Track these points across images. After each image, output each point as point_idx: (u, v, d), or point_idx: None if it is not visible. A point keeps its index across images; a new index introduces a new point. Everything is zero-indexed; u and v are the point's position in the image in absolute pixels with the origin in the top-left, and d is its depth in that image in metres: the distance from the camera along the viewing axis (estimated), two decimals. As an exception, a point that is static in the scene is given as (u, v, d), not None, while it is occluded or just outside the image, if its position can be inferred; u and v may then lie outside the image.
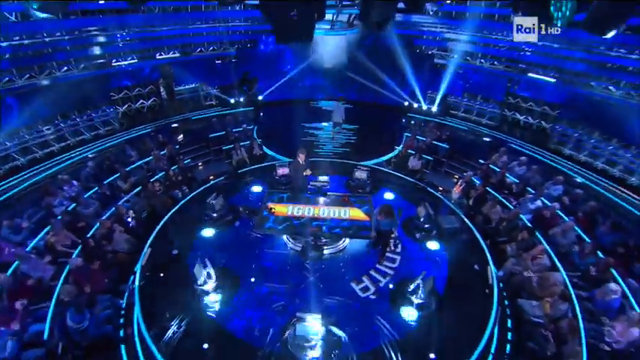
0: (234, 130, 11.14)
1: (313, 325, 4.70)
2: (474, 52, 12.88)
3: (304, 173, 7.17)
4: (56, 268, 6.27)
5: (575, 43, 10.14)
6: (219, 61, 13.55)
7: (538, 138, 12.08)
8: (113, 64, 11.26)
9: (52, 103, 9.95)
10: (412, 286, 5.55)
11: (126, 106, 12.82)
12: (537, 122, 12.81)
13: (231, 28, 13.11)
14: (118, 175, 8.64)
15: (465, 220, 7.50)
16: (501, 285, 6.23)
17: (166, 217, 7.62)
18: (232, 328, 5.30)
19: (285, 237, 6.86)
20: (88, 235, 6.79)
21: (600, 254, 6.55)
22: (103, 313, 5.57)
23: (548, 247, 6.67)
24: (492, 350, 5.21)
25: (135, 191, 8.33)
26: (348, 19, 8.69)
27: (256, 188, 8.56)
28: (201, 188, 8.61)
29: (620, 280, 6.07)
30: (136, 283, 5.99)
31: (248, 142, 10.69)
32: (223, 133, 10.98)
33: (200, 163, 10.46)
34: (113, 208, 7.56)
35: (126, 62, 11.47)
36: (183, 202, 8.13)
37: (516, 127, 13.09)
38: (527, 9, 2.10)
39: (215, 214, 7.36)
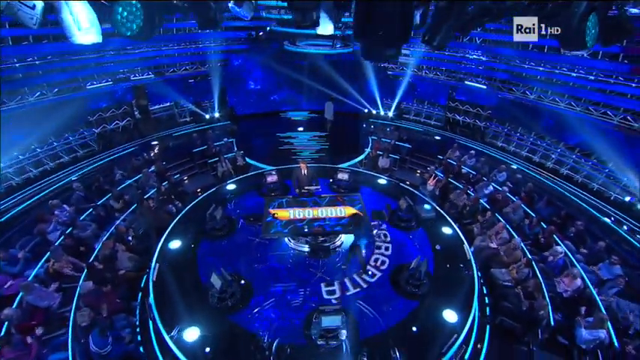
0: (215, 144, 10.74)
1: (336, 317, 4.76)
2: (419, 65, 13.77)
3: (311, 188, 7.21)
4: (63, 294, 5.66)
5: (498, 56, 11.37)
6: (192, 80, 12.98)
7: (476, 134, 13.22)
8: (88, 87, 10.33)
9: (28, 130, 8.88)
10: (412, 266, 5.82)
11: (101, 127, 11.79)
12: (473, 121, 14.01)
13: (201, 48, 12.70)
14: (109, 195, 7.94)
15: (438, 208, 7.99)
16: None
17: (167, 231, 7.16)
18: (257, 330, 5.17)
19: (286, 239, 6.83)
20: (92, 258, 6.20)
21: (543, 225, 7.41)
22: (122, 332, 5.16)
23: (504, 223, 7.38)
24: (476, 314, 5.64)
25: (130, 209, 7.71)
26: (333, 39, 8.87)
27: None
28: (197, 200, 8.16)
29: (560, 243, 6.92)
30: (151, 298, 5.58)
31: (232, 154, 10.39)
32: (205, 147, 10.54)
33: (185, 178, 10.00)
34: (112, 228, 6.96)
35: (101, 85, 10.57)
36: (180, 215, 7.68)
37: (457, 126, 14.20)
38: (564, 41, 2.27)
39: (217, 225, 7.09)
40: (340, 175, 8.97)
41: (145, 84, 11.97)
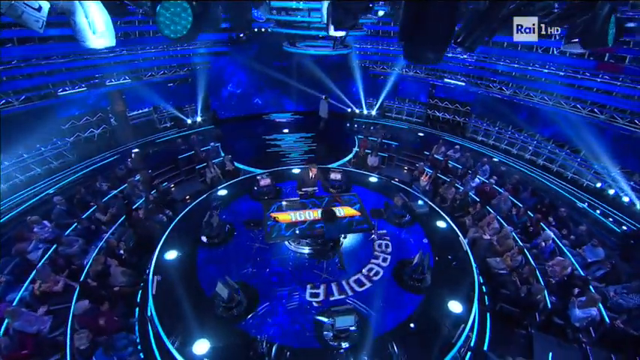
0: (202, 149, 10.42)
1: (350, 316, 4.76)
2: (400, 63, 14.07)
3: (308, 189, 7.15)
4: (53, 317, 5.27)
5: (477, 55, 11.84)
6: (172, 84, 12.51)
7: (457, 130, 13.70)
8: (60, 93, 9.69)
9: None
10: (415, 261, 5.92)
11: (74, 136, 11.10)
12: (452, 117, 14.52)
13: (180, 51, 12.29)
14: (94, 207, 7.49)
15: (430, 203, 8.19)
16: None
17: (161, 242, 6.85)
18: (269, 337, 5.05)
19: (286, 242, 6.74)
20: (83, 274, 5.81)
21: (530, 214, 7.80)
22: (124, 353, 4.88)
23: (495, 214, 7.69)
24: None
25: (119, 221, 7.31)
26: (341, 39, 8.88)
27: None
28: (189, 207, 7.86)
29: (547, 230, 7.32)
30: (153, 311, 5.32)
31: (220, 159, 10.13)
32: (192, 153, 10.20)
33: (172, 185, 9.61)
34: (102, 242, 6.57)
35: (74, 91, 9.95)
36: (173, 224, 7.37)
37: (437, 123, 14.66)
38: (588, 40, 2.37)
39: (214, 233, 6.87)
40: (333, 175, 8.97)
41: (122, 89, 11.38)
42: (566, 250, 6.75)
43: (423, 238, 7.12)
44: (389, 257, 6.54)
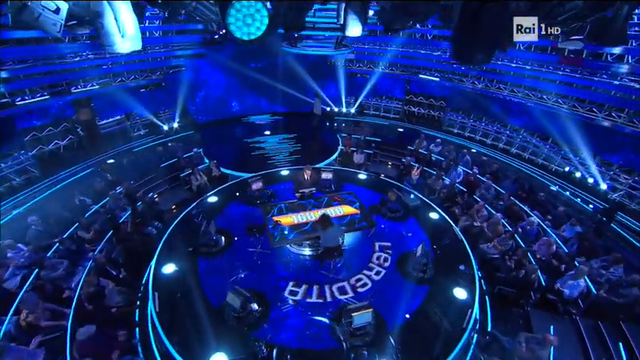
0: (184, 155, 10.00)
1: (366, 313, 4.81)
2: (376, 61, 14.38)
3: (307, 190, 7.09)
4: (45, 350, 4.82)
5: (448, 50, 12.35)
6: (144, 90, 11.86)
7: (434, 124, 14.25)
8: (18, 103, 8.85)
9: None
10: (418, 253, 6.10)
11: (37, 149, 10.20)
12: (427, 112, 15.07)
13: (150, 55, 11.69)
14: (76, 225, 6.94)
15: (421, 196, 8.46)
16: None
17: (155, 256, 6.49)
18: (286, 342, 4.98)
19: (287, 245, 6.66)
20: (75, 299, 5.37)
21: (513, 199, 8.32)
22: (133, 376, 4.60)
23: (483, 202, 8.11)
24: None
25: (106, 238, 6.83)
26: (337, 40, 8.84)
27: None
28: (180, 217, 7.50)
29: (531, 213, 7.85)
30: (160, 332, 5.04)
31: (205, 165, 9.78)
32: (175, 160, 9.75)
33: (156, 195, 9.13)
34: (90, 262, 6.10)
35: (35, 100, 9.13)
36: (165, 236, 7.00)
37: (413, 117, 15.15)
38: (610, 39, 2.51)
39: (212, 241, 6.63)
40: (324, 175, 8.98)
41: (90, 97, 10.61)
42: (549, 231, 7.28)
43: (408, 232, 7.25)
44: (383, 271, 6.19)
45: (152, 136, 11.92)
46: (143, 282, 6.58)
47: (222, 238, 6.84)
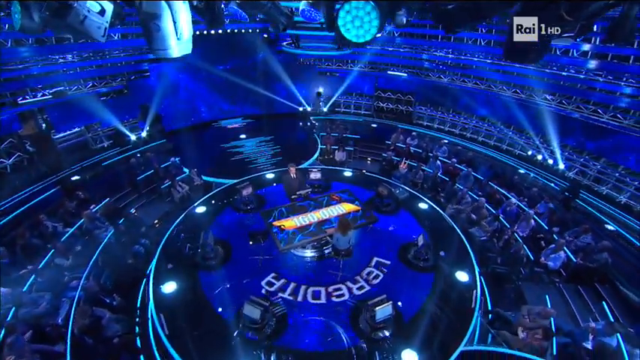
0: (162, 166, 9.40)
1: (387, 306, 4.93)
2: (345, 59, 14.61)
3: (302, 191, 6.99)
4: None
5: (416, 47, 12.99)
6: (105, 98, 10.90)
7: (404, 118, 14.82)
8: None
9: None
10: (420, 243, 6.35)
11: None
12: (395, 106, 15.62)
13: (109, 60, 10.80)
14: (51, 252, 6.24)
15: (408, 189, 8.80)
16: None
17: (151, 275, 6.05)
18: (311, 346, 4.94)
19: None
20: (69, 335, 4.83)
21: (492, 184, 8.99)
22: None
23: (466, 190, 8.66)
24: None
25: (91, 262, 6.22)
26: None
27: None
28: (171, 230, 7.05)
29: (509, 195, 8.54)
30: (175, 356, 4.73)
31: (185, 175, 9.29)
32: (152, 171, 9.14)
33: (134, 210, 8.50)
34: (78, 291, 5.52)
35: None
36: (157, 253, 6.54)
37: (382, 113, 15.62)
38: (622, 37, 2.73)
39: (211, 254, 6.34)
40: (313, 175, 8.97)
41: (42, 107, 9.53)
42: (527, 209, 7.99)
43: (390, 225, 7.41)
44: (367, 289, 5.84)
45: (117, 147, 11.00)
46: (138, 305, 6.15)
47: (219, 248, 6.57)
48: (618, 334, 5.05)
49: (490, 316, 6.00)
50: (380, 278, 6.05)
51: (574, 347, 5.09)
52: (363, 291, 5.79)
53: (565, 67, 9.93)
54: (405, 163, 9.19)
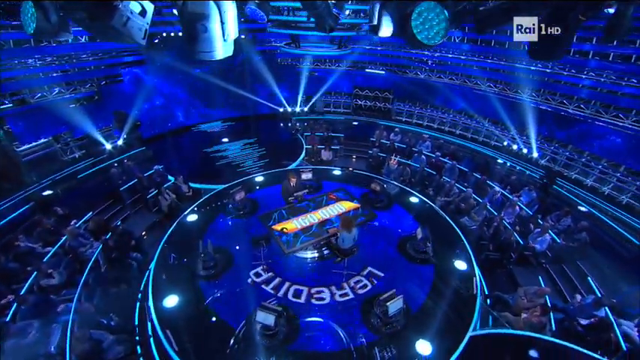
0: (145, 174, 8.95)
1: (398, 300, 5.04)
2: (323, 59, 14.66)
3: (297, 193, 6.94)
4: None
5: (395, 45, 13.29)
6: (74, 105, 10.18)
7: (383, 114, 15.13)
8: None
9: None
10: (419, 236, 6.54)
11: None
12: (373, 104, 15.90)
13: (77, 64, 10.11)
14: (34, 275, 5.74)
15: (396, 184, 9.01)
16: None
17: (150, 291, 5.76)
18: (326, 347, 4.93)
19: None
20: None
21: (476, 175, 9.42)
22: None
23: (453, 182, 9.00)
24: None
25: (82, 282, 5.80)
26: (339, 40, 8.60)
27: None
28: (163, 242, 6.73)
29: (493, 185, 8.99)
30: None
31: (170, 183, 8.92)
32: (135, 181, 8.68)
33: (119, 223, 8.04)
34: (71, 315, 5.13)
35: None
36: (152, 267, 6.23)
37: (361, 110, 15.85)
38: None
39: (212, 263, 6.14)
40: (304, 176, 8.93)
41: (1, 117, 8.72)
42: (510, 197, 8.46)
43: (386, 221, 7.57)
44: (350, 297, 5.67)
45: (91, 158, 10.31)
46: (136, 323, 5.84)
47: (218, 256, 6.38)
48: (606, 307, 5.50)
49: (488, 300, 6.31)
50: (367, 289, 5.79)
51: (569, 321, 5.48)
52: (345, 298, 5.65)
53: (534, 62, 10.61)
54: (394, 159, 9.41)
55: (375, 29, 3.40)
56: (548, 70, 10.48)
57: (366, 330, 5.15)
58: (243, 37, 12.63)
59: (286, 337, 5.02)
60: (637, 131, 8.90)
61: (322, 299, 5.65)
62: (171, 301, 5.54)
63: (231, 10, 2.07)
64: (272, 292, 5.71)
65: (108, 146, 10.31)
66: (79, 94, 10.21)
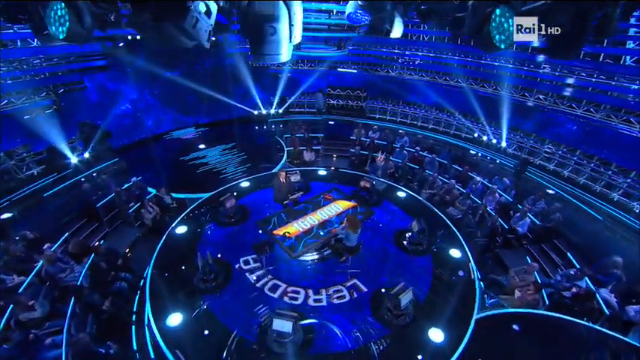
0: (122, 188, 8.34)
1: (409, 292, 5.19)
2: (296, 60, 14.57)
3: (293, 196, 6.84)
4: None
5: (366, 44, 13.59)
6: (28, 116, 9.19)
7: (356, 113, 15.36)
8: None
9: None
10: (416, 229, 6.76)
11: None
12: (345, 102, 16.09)
13: (28, 72, 9.15)
14: (10, 309, 5.12)
15: (382, 180, 9.24)
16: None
17: (149, 311, 5.41)
18: (340, 349, 4.94)
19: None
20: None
21: (456, 167, 9.93)
22: None
23: (437, 175, 9.40)
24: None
25: (70, 312, 5.28)
26: (339, 41, 8.37)
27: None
28: (155, 257, 6.35)
29: (475, 176, 9.52)
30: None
31: (151, 195, 8.40)
32: (112, 195, 8.06)
33: (96, 243, 7.43)
34: (63, 348, 4.66)
35: None
36: (147, 288, 5.84)
37: (334, 109, 15.94)
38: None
39: (212, 275, 5.89)
40: (293, 178, 8.85)
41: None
42: (490, 185, 9.03)
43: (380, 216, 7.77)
44: (322, 304, 5.61)
45: (54, 174, 9.37)
46: (135, 348, 5.46)
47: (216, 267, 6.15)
48: (586, 278, 6.09)
49: (481, 283, 6.70)
50: (343, 300, 5.64)
51: (558, 295, 5.98)
52: (317, 304, 5.61)
53: (497, 58, 11.39)
54: (382, 156, 9.62)
55: (378, 30, 3.45)
56: (510, 66, 11.30)
57: (379, 325, 5.25)
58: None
59: (306, 343, 4.98)
60: (587, 119, 9.92)
61: (343, 297, 5.67)
62: (174, 319, 5.26)
63: (299, 12, 1.99)
64: (290, 301, 5.58)
65: (74, 160, 9.43)
66: (33, 104, 9.23)
